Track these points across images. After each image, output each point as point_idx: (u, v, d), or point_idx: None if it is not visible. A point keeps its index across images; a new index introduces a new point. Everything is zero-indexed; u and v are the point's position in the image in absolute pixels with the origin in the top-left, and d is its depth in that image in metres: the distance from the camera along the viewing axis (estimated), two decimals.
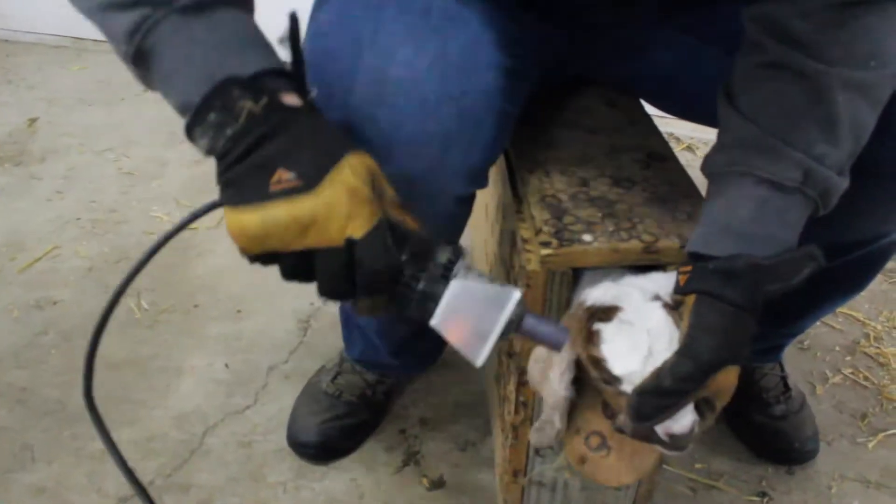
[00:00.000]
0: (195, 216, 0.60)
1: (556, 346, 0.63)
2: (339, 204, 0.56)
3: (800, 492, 1.18)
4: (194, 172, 2.01)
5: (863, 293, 1.40)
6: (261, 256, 0.58)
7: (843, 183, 0.67)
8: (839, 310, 1.54)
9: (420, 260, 0.60)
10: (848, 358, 1.44)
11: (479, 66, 0.72)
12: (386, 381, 1.27)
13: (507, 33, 0.79)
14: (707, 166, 0.71)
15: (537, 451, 0.96)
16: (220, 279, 1.62)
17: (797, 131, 0.65)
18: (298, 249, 0.57)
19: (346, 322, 1.21)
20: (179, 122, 0.58)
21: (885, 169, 0.77)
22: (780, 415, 1.23)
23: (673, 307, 0.67)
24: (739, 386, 1.25)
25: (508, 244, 0.90)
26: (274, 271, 0.61)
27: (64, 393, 1.33)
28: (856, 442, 1.27)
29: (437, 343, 1.29)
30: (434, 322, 0.61)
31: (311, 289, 1.13)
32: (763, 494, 1.17)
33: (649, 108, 1.04)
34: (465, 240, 1.75)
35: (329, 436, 1.21)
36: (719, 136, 0.71)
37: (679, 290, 0.67)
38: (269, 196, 0.55)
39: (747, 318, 0.63)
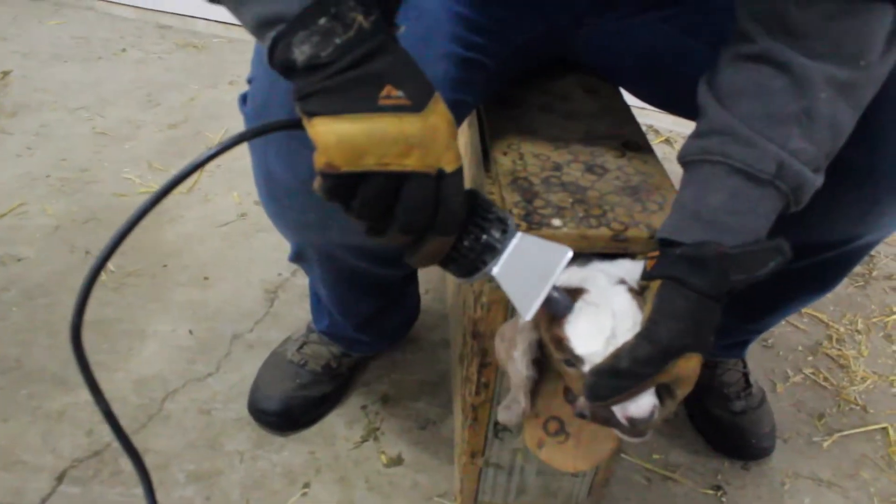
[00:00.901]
0: (265, 130, 0.59)
1: (562, 313, 0.65)
2: (442, 132, 0.56)
3: (754, 487, 1.20)
4: (168, 136, 1.99)
5: (828, 295, 1.41)
6: (343, 178, 0.54)
7: (817, 181, 0.67)
8: (804, 310, 1.56)
9: (482, 212, 0.63)
10: (810, 358, 1.46)
11: (429, 56, 0.72)
12: (352, 355, 1.27)
13: (471, 22, 0.79)
14: (682, 154, 0.71)
15: (496, 434, 0.96)
16: (190, 246, 1.60)
17: (775, 124, 0.65)
18: (391, 171, 0.55)
19: (314, 295, 1.21)
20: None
21: (859, 171, 0.77)
22: (740, 410, 1.24)
23: (638, 293, 0.67)
24: (701, 379, 1.27)
25: None
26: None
27: (22, 351, 1.31)
28: (811, 441, 1.29)
29: (402, 321, 1.30)
30: (496, 272, 0.63)
31: (279, 259, 1.12)
32: (718, 488, 1.19)
33: (630, 99, 1.04)
34: None
35: (291, 406, 1.21)
36: (697, 124, 0.71)
37: (646, 276, 0.67)
38: (379, 108, 0.53)
39: (712, 305, 0.63)
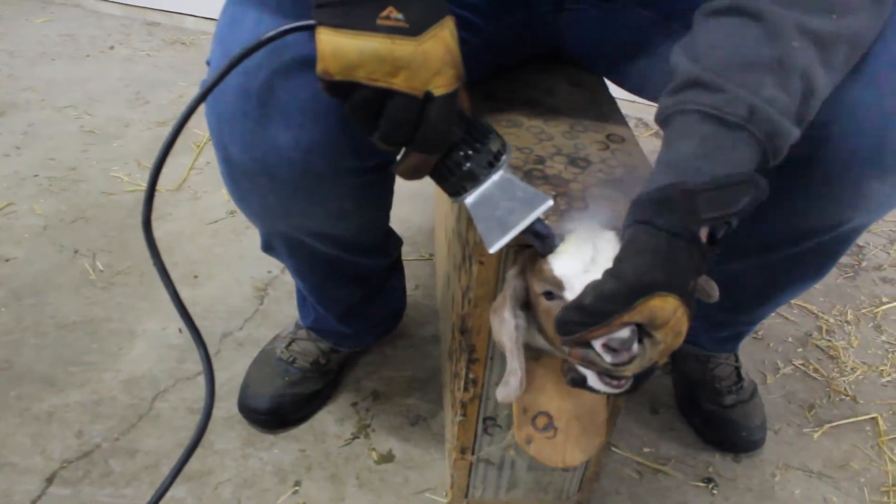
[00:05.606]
0: (278, 34, 0.61)
1: (549, 249, 0.66)
2: (435, 58, 0.59)
3: (745, 479, 1.20)
4: (157, 133, 1.98)
5: (817, 286, 1.42)
6: (337, 84, 0.59)
7: (793, 130, 0.65)
8: (794, 302, 1.57)
9: (473, 141, 0.65)
10: (800, 350, 1.46)
11: None
12: (340, 351, 1.27)
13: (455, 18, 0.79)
14: (657, 114, 0.70)
15: (486, 430, 0.96)
16: (179, 243, 1.60)
17: (746, 72, 0.64)
18: (379, 87, 0.59)
19: (300, 291, 1.20)
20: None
21: (840, 153, 0.77)
22: (730, 404, 1.24)
23: None
24: (693, 374, 1.27)
25: (465, 219, 0.89)
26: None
27: (11, 352, 1.31)
28: (802, 432, 1.29)
29: (388, 313, 1.30)
30: (469, 201, 0.66)
31: (268, 257, 1.12)
32: (709, 480, 1.19)
33: (620, 92, 1.03)
34: (428, 216, 1.74)
35: (281, 403, 1.20)
36: (670, 83, 0.70)
37: (623, 228, 0.66)
38: (376, 28, 0.57)
39: (682, 244, 0.61)
